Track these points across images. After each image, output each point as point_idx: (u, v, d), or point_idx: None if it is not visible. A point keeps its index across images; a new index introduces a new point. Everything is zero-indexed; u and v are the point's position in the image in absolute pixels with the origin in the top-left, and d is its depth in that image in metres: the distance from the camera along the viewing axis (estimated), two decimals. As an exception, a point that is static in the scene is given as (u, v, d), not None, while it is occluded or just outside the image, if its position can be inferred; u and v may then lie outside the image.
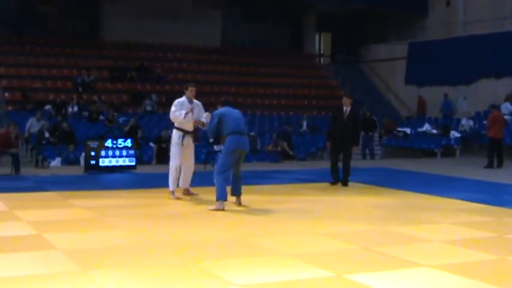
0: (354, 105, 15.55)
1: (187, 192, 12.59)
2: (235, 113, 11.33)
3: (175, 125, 12.42)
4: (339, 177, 15.13)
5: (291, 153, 24.42)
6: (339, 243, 8.63)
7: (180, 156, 12.19)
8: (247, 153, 11.44)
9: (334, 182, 15.16)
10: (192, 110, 12.23)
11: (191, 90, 12.52)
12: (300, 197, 13.35)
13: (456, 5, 33.47)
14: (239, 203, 11.41)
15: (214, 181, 11.02)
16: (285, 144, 24.32)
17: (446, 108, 31.30)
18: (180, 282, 6.59)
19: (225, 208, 10.97)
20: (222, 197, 10.93)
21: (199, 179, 13.47)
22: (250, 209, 11.34)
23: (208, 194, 12.02)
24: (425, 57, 32.69)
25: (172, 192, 12.28)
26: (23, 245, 8.24)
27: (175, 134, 12.39)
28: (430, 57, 32.41)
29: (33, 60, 29.76)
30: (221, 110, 11.34)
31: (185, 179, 12.53)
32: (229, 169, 11.06)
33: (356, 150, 16.23)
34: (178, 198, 12.22)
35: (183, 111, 12.21)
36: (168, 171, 12.33)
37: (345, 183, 15.03)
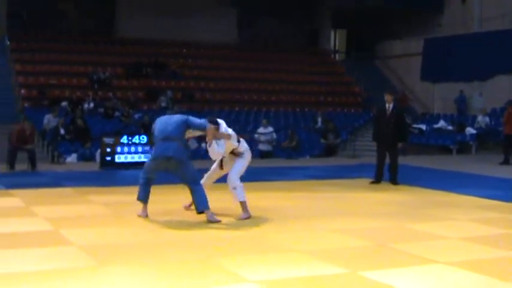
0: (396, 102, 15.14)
1: None
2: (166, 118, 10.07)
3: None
4: (382, 176, 14.84)
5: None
6: (354, 240, 8.63)
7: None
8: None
9: (375, 181, 14.83)
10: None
11: None
12: (314, 193, 13.33)
13: (472, 1, 33.31)
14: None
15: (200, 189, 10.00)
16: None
17: (460, 104, 31.19)
18: (195, 278, 6.60)
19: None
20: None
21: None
22: (264, 206, 11.34)
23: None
24: (441, 53, 32.58)
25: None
26: (40, 240, 8.27)
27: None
28: (445, 53, 32.30)
29: (49, 57, 29.88)
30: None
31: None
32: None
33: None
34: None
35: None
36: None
37: (393, 182, 14.65)
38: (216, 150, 9.72)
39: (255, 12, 36.42)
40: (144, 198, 9.99)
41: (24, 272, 6.69)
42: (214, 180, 10.60)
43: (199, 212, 9.70)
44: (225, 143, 9.82)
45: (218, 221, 9.63)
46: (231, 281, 6.53)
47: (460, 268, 7.09)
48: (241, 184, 9.95)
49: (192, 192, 9.73)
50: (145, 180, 9.97)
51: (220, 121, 9.98)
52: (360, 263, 7.31)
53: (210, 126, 9.69)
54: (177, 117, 9.83)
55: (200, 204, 9.65)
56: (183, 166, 9.69)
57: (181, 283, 6.44)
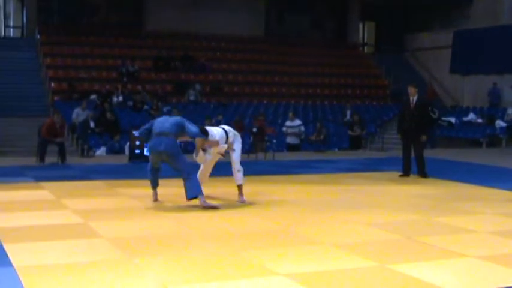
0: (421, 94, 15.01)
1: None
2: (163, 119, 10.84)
3: None
4: (410, 169, 14.80)
5: None
6: (382, 233, 8.61)
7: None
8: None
9: (403, 174, 14.79)
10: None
11: None
12: (342, 186, 13.31)
13: (502, -8, 33.02)
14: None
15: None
16: None
17: (494, 97, 30.92)
18: (223, 271, 6.62)
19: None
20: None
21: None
22: (292, 198, 11.36)
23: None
24: (471, 45, 32.30)
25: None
26: (69, 233, 8.34)
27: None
28: (475, 45, 32.02)
29: (79, 51, 30.05)
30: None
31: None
32: None
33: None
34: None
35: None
36: None
37: (422, 175, 14.57)
38: (203, 156, 10.53)
39: (283, 5, 36.38)
40: (154, 184, 10.78)
41: (57, 264, 6.76)
42: (210, 170, 11.31)
43: (189, 199, 10.17)
44: (213, 149, 10.66)
45: (213, 206, 10.19)
46: (260, 274, 6.54)
47: (488, 262, 7.06)
48: (243, 169, 10.90)
49: (184, 181, 10.21)
50: (151, 169, 10.67)
51: (211, 131, 10.62)
52: (388, 256, 7.30)
53: (199, 139, 10.29)
54: (175, 118, 10.68)
55: (190, 190, 10.15)
56: (174, 159, 10.28)
57: (210, 276, 6.46)
